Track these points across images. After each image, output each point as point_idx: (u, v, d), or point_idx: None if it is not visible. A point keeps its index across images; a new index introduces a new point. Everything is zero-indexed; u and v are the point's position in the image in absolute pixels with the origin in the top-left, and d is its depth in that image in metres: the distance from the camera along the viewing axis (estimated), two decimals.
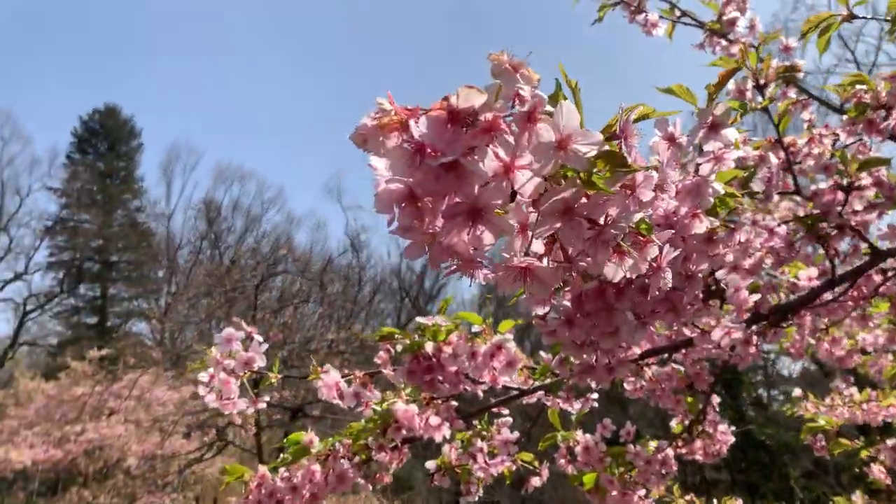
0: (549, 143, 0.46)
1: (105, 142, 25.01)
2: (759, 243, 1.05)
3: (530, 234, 0.61)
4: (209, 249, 21.92)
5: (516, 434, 1.50)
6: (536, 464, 1.60)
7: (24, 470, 12.02)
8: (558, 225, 0.51)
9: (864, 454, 2.29)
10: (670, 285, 0.72)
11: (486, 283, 0.62)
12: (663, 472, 1.68)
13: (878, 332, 2.28)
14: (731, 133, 0.81)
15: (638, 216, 0.53)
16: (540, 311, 0.75)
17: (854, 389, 2.56)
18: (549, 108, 0.49)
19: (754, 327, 1.46)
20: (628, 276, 0.81)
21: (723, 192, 0.87)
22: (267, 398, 1.43)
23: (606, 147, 0.50)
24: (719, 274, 1.05)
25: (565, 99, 0.51)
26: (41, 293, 21.02)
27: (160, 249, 23.08)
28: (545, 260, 0.58)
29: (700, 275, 0.94)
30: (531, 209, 0.57)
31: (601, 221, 0.52)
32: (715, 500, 2.41)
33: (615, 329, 0.84)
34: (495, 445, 1.52)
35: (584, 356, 1.02)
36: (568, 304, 0.84)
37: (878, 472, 2.34)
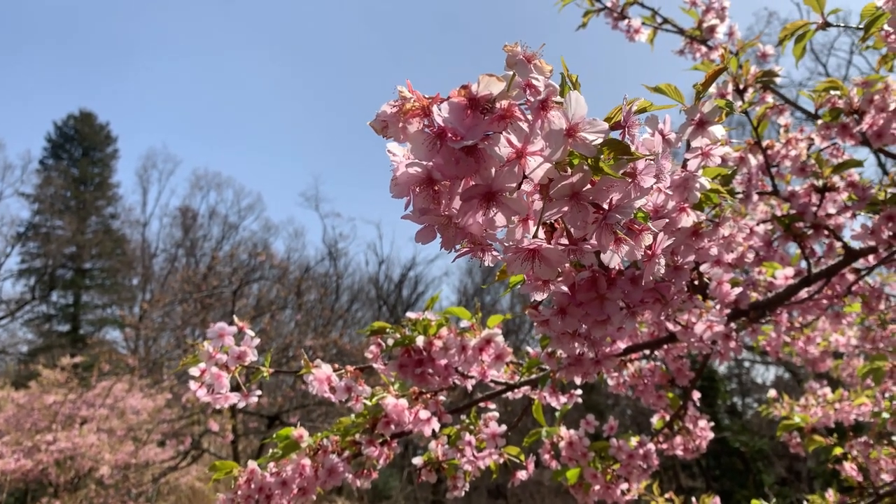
0: (561, 130, 0.50)
1: (80, 147, 24.69)
2: (741, 238, 1.10)
3: (531, 223, 0.64)
4: (185, 257, 21.72)
5: (504, 427, 1.53)
6: (522, 457, 1.63)
7: None
8: (566, 209, 0.54)
9: (837, 451, 2.36)
10: (662, 272, 0.76)
11: (494, 264, 0.65)
12: (645, 466, 1.72)
13: (850, 334, 2.35)
14: (717, 130, 0.86)
15: (640, 202, 0.56)
16: (538, 296, 0.79)
17: (827, 390, 2.64)
18: (556, 98, 0.53)
19: (734, 324, 1.51)
20: (620, 267, 0.86)
21: (709, 186, 0.92)
22: (259, 392, 1.45)
23: (611, 135, 0.53)
24: (703, 267, 1.09)
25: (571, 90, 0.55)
26: (12, 300, 20.61)
27: (135, 257, 22.81)
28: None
29: (687, 266, 0.98)
30: (535, 197, 0.61)
31: (605, 206, 0.56)
32: (693, 499, 2.46)
33: (606, 318, 0.87)
34: (483, 439, 1.55)
35: (573, 348, 1.05)
36: (561, 294, 0.88)
37: (850, 469, 2.41)
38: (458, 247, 0.61)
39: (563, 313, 0.89)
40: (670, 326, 1.39)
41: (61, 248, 21.74)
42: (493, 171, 0.48)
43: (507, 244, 0.57)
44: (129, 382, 10.70)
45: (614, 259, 0.72)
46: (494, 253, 0.59)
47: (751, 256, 1.26)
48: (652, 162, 0.57)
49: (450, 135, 0.47)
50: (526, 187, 0.60)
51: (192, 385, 1.44)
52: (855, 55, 14.45)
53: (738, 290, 1.19)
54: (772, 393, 2.84)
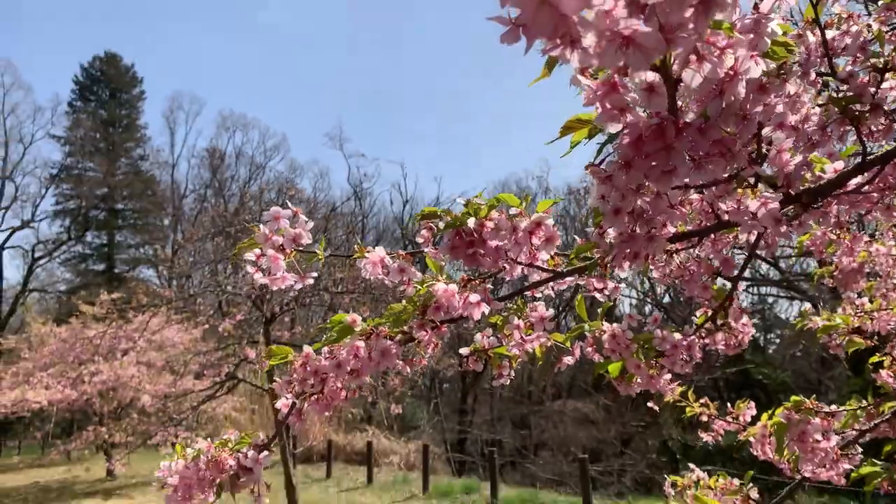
0: None
1: (107, 89, 24.78)
2: (807, 98, 1.09)
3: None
4: (214, 197, 21.97)
5: (552, 311, 1.56)
6: (568, 344, 1.66)
7: (40, 410, 12.30)
8: None
9: (873, 360, 2.36)
10: (742, 95, 0.76)
11: (581, 64, 0.65)
12: (688, 357, 1.74)
13: (892, 243, 2.33)
14: None
15: None
16: (613, 128, 0.79)
17: (865, 299, 2.62)
18: None
19: (785, 210, 1.50)
20: (689, 119, 0.85)
21: (780, 34, 0.90)
22: (314, 274, 1.48)
23: None
24: (766, 131, 1.09)
25: None
26: (49, 240, 21.15)
27: (165, 197, 23.13)
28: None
29: (754, 118, 0.97)
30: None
31: None
32: (729, 404, 2.49)
33: (672, 168, 0.87)
34: (530, 324, 1.58)
35: (626, 224, 1.06)
36: (627, 146, 0.88)
37: (886, 376, 2.42)
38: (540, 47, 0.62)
39: (627, 167, 0.89)
40: (722, 207, 1.39)
41: (94, 190, 22.07)
42: None
43: (600, 29, 0.57)
44: (165, 316, 10.99)
45: (696, 79, 0.72)
46: (584, 46, 0.60)
47: (815, 119, 1.24)
48: None
49: None
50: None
51: (249, 268, 1.47)
52: None
53: (798, 159, 1.18)
54: (807, 306, 2.84)
